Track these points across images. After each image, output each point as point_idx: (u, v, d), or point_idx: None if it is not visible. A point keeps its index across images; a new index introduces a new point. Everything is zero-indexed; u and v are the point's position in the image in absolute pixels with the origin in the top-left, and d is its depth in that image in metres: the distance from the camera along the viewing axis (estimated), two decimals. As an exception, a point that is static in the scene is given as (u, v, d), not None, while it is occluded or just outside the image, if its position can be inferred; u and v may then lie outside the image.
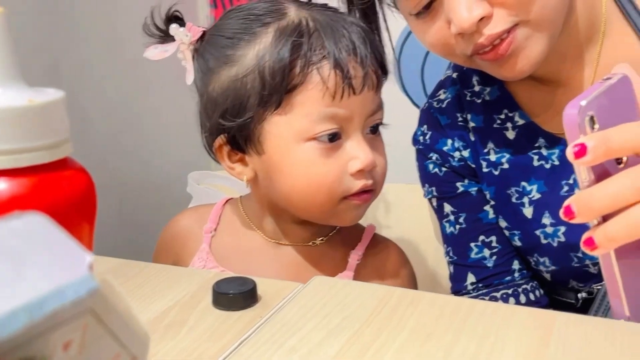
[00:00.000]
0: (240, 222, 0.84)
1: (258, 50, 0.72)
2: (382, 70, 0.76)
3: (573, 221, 0.47)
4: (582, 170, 0.47)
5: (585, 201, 0.47)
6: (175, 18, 0.79)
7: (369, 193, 0.76)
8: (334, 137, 0.72)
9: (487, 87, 0.90)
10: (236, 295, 0.59)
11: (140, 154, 1.53)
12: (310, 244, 0.82)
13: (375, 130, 0.76)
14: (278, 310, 0.58)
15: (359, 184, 0.74)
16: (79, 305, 0.25)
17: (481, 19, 0.70)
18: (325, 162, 0.72)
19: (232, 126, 0.74)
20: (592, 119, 0.47)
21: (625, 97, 0.51)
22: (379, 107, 0.76)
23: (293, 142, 0.72)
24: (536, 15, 0.71)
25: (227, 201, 0.89)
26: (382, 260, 0.85)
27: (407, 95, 1.38)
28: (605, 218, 0.47)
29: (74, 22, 1.34)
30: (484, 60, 0.76)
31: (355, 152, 0.73)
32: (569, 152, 0.46)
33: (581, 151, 0.46)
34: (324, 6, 0.78)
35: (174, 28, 0.77)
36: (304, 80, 0.70)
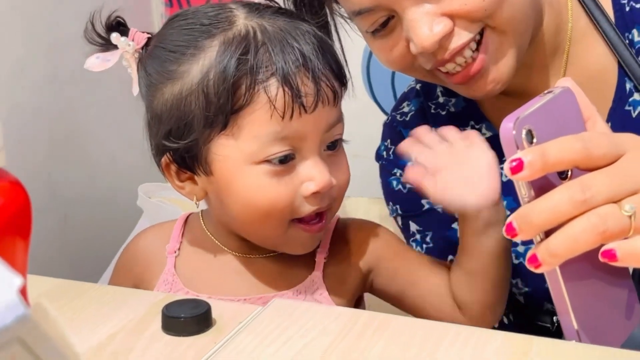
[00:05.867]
0: (203, 239, 0.82)
1: (202, 66, 0.69)
2: (340, 81, 0.74)
3: (516, 239, 0.48)
4: (521, 186, 0.48)
5: (525, 217, 0.47)
6: (117, 24, 0.76)
7: (321, 222, 0.74)
8: (286, 159, 0.70)
9: (451, 99, 0.90)
10: (188, 319, 0.57)
11: (85, 164, 1.50)
12: (277, 252, 0.80)
13: (333, 146, 0.74)
14: (234, 336, 0.57)
15: (311, 207, 0.72)
16: (5, 334, 0.23)
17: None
18: (277, 185, 0.70)
19: (177, 147, 0.72)
20: (530, 132, 0.48)
21: (568, 111, 0.52)
22: (337, 120, 0.73)
23: (242, 164, 0.70)
24: (502, 22, 0.71)
25: (187, 217, 0.87)
26: (350, 244, 0.83)
27: (377, 103, 1.38)
28: (547, 234, 0.48)
29: (11, 24, 1.31)
30: (451, 82, 0.76)
31: (310, 173, 0.70)
32: (506, 168, 0.47)
33: (518, 166, 0.46)
34: (278, 11, 0.75)
35: (114, 37, 0.75)
36: (250, 100, 0.68)
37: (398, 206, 0.92)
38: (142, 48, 0.76)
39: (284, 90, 0.67)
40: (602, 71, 0.80)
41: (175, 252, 0.81)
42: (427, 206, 0.91)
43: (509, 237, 0.48)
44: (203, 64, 0.69)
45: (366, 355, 0.53)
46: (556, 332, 0.87)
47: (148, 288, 0.81)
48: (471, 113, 0.89)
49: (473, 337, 0.55)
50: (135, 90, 0.76)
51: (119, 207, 1.51)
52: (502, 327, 0.89)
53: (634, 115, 0.78)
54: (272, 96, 0.67)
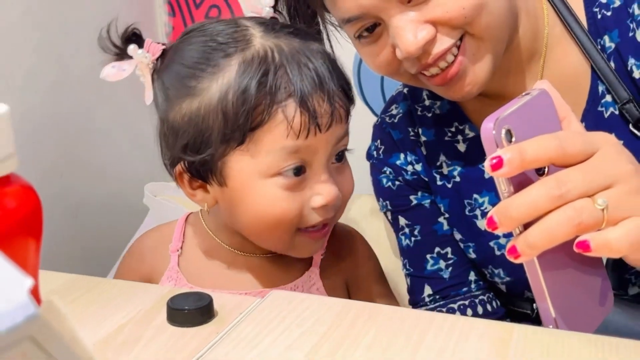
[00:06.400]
0: (204, 238, 0.82)
1: (221, 85, 0.68)
2: (349, 99, 0.74)
3: (497, 231, 0.48)
4: (501, 182, 0.49)
5: (504, 211, 0.48)
6: (133, 35, 0.75)
7: (325, 229, 0.74)
8: (299, 172, 0.70)
9: (437, 101, 0.91)
10: (191, 311, 0.57)
11: (94, 165, 1.49)
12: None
13: (340, 158, 0.74)
14: (235, 326, 0.56)
15: (318, 218, 0.72)
16: (16, 333, 0.23)
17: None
18: (288, 197, 0.70)
19: (193, 160, 0.71)
20: (509, 132, 0.48)
21: (545, 111, 0.53)
22: (345, 134, 0.73)
23: (256, 177, 0.69)
24: (480, 29, 0.71)
25: (188, 216, 0.86)
26: (346, 248, 0.84)
27: (368, 105, 1.37)
28: (526, 227, 0.48)
29: (24, 33, 1.30)
30: (431, 84, 0.76)
31: (319, 187, 0.71)
32: (487, 165, 0.47)
33: (498, 164, 0.47)
34: (290, 29, 0.74)
35: (132, 50, 0.73)
36: (267, 119, 0.67)
37: (388, 202, 0.93)
38: (157, 59, 0.75)
39: (301, 112, 0.67)
40: (576, 75, 0.80)
41: (177, 250, 0.81)
42: (414, 202, 0.91)
43: (489, 230, 0.49)
44: (222, 82, 0.68)
45: (358, 342, 0.53)
46: (536, 319, 0.87)
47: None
48: (455, 115, 0.89)
49: (457, 326, 0.55)
50: (149, 99, 0.75)
51: (127, 205, 1.51)
52: (485, 314, 0.89)
53: (606, 115, 0.78)
54: (289, 117, 0.67)
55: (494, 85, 0.77)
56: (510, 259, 0.49)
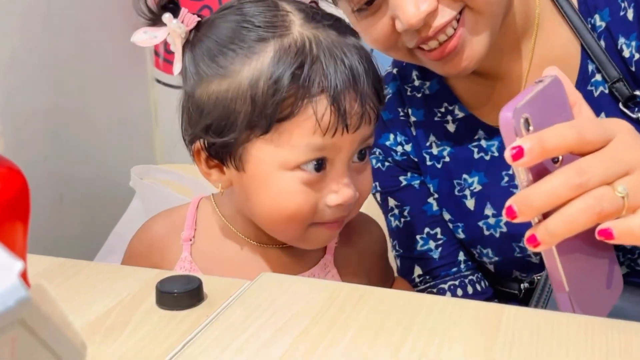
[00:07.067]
0: (218, 226, 0.79)
1: (254, 70, 0.66)
2: (380, 100, 0.71)
3: (515, 220, 0.48)
4: (520, 171, 0.48)
5: (524, 200, 0.48)
6: (170, 2, 0.71)
7: (339, 223, 0.73)
8: (320, 167, 0.68)
9: (426, 82, 0.91)
10: (181, 294, 0.57)
11: (80, 147, 1.48)
12: None
13: (362, 156, 0.72)
14: (224, 309, 0.56)
15: (333, 215, 0.70)
16: (7, 316, 0.22)
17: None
18: (305, 192, 0.68)
19: (215, 142, 0.69)
20: (527, 121, 0.48)
21: (557, 98, 0.53)
22: (371, 134, 0.71)
23: (276, 169, 0.68)
24: (480, 3, 0.71)
25: (199, 201, 0.85)
26: (359, 234, 0.83)
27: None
28: (545, 216, 0.48)
29: (7, 15, 1.28)
30: (429, 59, 0.76)
31: (336, 186, 0.69)
32: (507, 155, 0.47)
33: (518, 153, 0.47)
34: (330, 20, 0.70)
35: (167, 18, 0.70)
36: (297, 112, 0.65)
37: (377, 183, 0.93)
38: (190, 31, 0.72)
39: (331, 109, 0.65)
40: (566, 54, 0.80)
41: (190, 240, 0.79)
42: (404, 182, 0.91)
43: (508, 219, 0.48)
44: (255, 67, 0.66)
45: (350, 324, 0.53)
46: (523, 299, 0.88)
47: None
48: (445, 95, 0.89)
49: (448, 307, 0.55)
50: (177, 70, 0.72)
51: (113, 188, 1.50)
52: (474, 294, 0.90)
53: (596, 94, 0.78)
54: (319, 113, 0.65)
55: (486, 63, 0.77)
56: (529, 247, 0.49)
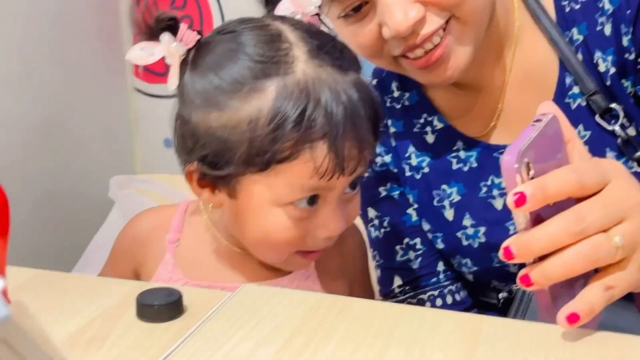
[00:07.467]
0: (204, 230, 0.79)
1: (254, 108, 0.64)
2: (377, 137, 0.71)
3: (512, 261, 0.49)
4: (520, 215, 0.49)
5: (524, 244, 0.48)
6: (169, 20, 0.68)
7: (319, 252, 0.73)
8: (312, 202, 0.67)
9: (406, 92, 0.91)
10: (161, 306, 0.56)
11: (59, 157, 1.47)
12: None
13: (354, 186, 0.71)
14: (205, 321, 0.56)
15: (320, 245, 0.71)
16: (-12, 335, 0.22)
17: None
18: (295, 227, 0.68)
19: (210, 173, 0.68)
20: (527, 165, 0.48)
21: (554, 136, 0.54)
22: (365, 170, 0.71)
23: (269, 203, 0.67)
24: (466, 12, 0.72)
25: (188, 204, 0.84)
26: (342, 240, 0.83)
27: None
28: (540, 257, 0.49)
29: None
30: (413, 67, 0.76)
31: (327, 220, 0.69)
32: (510, 201, 0.48)
33: (521, 199, 0.47)
34: (334, 54, 0.68)
35: (166, 40, 0.68)
36: (295, 155, 0.64)
37: (357, 194, 0.93)
38: (189, 50, 0.69)
39: (329, 156, 0.64)
40: (544, 66, 0.81)
41: (175, 242, 0.79)
42: (384, 193, 0.92)
43: (504, 260, 0.49)
44: (255, 106, 0.64)
45: (331, 335, 0.53)
46: (502, 309, 0.89)
47: (148, 274, 0.79)
48: (424, 106, 0.90)
49: (428, 318, 0.55)
50: (172, 85, 0.70)
51: (91, 198, 1.49)
52: (454, 304, 0.91)
53: (573, 107, 0.79)
54: (317, 159, 0.64)
55: (467, 74, 0.77)
56: (522, 286, 0.50)
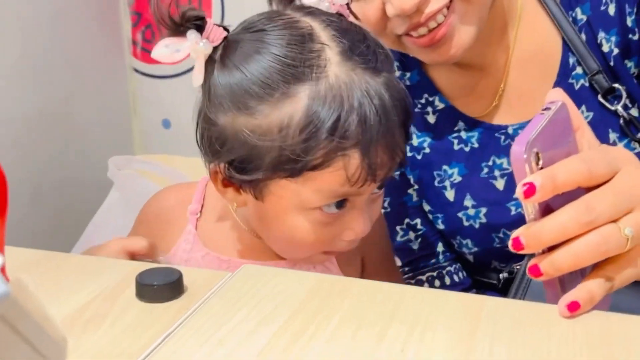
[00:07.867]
0: (222, 206, 0.78)
1: (285, 115, 0.61)
2: (407, 141, 0.69)
3: (521, 252, 0.49)
4: (529, 206, 0.49)
5: (533, 235, 0.48)
6: (196, 18, 0.64)
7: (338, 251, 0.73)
8: (340, 206, 0.66)
9: (407, 72, 0.91)
10: (161, 286, 0.56)
11: (58, 137, 1.47)
12: None
13: (381, 187, 0.70)
14: (205, 301, 0.56)
15: (346, 247, 0.70)
16: (-14, 312, 0.22)
17: None
18: (322, 230, 0.67)
19: (237, 177, 0.66)
20: (537, 154, 0.48)
21: (563, 124, 0.53)
22: (394, 171, 0.69)
23: (296, 207, 0.66)
24: None
25: (208, 181, 0.84)
26: None
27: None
28: (549, 248, 0.49)
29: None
30: (417, 45, 0.76)
31: (353, 223, 0.68)
32: (519, 192, 0.47)
33: (530, 190, 0.47)
34: (367, 55, 0.64)
35: (192, 38, 0.64)
36: (327, 164, 0.62)
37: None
38: (216, 47, 0.65)
39: (362, 165, 0.62)
40: (547, 46, 0.81)
41: (197, 213, 0.79)
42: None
43: (513, 250, 0.49)
44: (287, 112, 0.61)
45: (332, 315, 0.53)
46: (502, 289, 0.89)
47: (167, 246, 0.79)
48: (425, 86, 0.89)
49: (429, 298, 0.55)
50: (197, 82, 0.66)
51: (90, 179, 1.49)
52: (452, 285, 0.91)
53: (576, 87, 0.79)
54: (350, 168, 0.62)
55: (469, 54, 0.77)
56: (531, 276, 0.50)
